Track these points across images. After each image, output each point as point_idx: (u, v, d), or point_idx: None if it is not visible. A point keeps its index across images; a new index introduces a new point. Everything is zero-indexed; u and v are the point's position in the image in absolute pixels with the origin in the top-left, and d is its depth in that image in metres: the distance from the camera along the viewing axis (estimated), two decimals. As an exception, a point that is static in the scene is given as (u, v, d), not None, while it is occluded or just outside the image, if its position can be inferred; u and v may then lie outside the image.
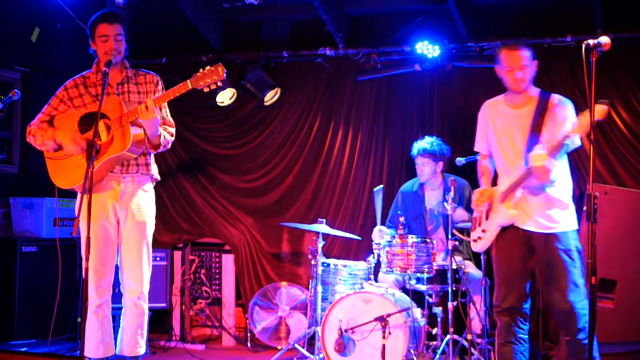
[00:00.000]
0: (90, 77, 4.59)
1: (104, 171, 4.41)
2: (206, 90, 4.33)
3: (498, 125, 4.62)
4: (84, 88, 4.56)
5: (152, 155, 4.65)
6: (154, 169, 4.67)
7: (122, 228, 4.53)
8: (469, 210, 5.98)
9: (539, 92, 4.54)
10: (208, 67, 4.29)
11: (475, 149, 4.89)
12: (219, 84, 4.32)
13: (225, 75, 4.28)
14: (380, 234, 5.73)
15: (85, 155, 4.38)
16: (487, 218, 4.61)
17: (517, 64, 4.43)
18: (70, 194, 4.68)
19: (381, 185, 6.03)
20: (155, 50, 7.07)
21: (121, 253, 4.54)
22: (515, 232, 4.44)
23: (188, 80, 4.31)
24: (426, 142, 5.95)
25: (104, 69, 4.22)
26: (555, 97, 4.48)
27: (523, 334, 4.50)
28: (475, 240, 4.71)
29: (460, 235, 5.39)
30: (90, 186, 3.81)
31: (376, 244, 5.58)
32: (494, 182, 4.74)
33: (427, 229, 5.99)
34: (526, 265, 4.45)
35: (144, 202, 4.57)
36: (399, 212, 5.75)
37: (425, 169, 5.95)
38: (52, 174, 4.55)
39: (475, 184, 6.31)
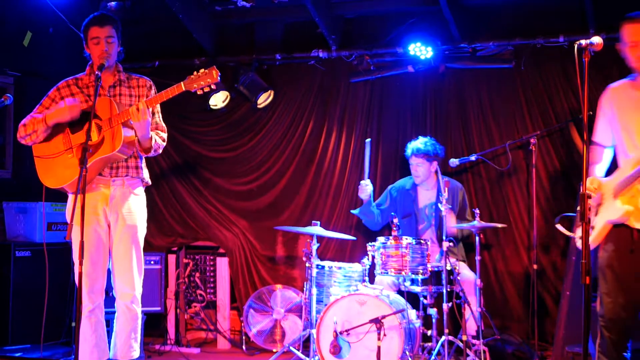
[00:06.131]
0: (83, 79, 4.58)
1: (93, 172, 4.38)
2: (199, 92, 4.32)
3: (621, 111, 4.13)
4: (76, 88, 4.54)
5: (143, 159, 4.63)
6: (145, 173, 4.65)
7: (112, 232, 4.50)
8: (462, 217, 6.00)
9: None
10: (202, 70, 4.29)
11: (596, 139, 4.37)
12: (213, 86, 4.32)
13: (219, 78, 4.29)
14: (365, 188, 5.97)
15: (69, 134, 4.40)
16: (596, 213, 4.15)
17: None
18: (63, 198, 4.66)
19: (369, 139, 6.17)
20: (147, 54, 7.07)
21: (112, 257, 4.52)
22: (628, 231, 3.99)
23: (182, 83, 4.31)
24: (420, 142, 5.97)
25: (97, 72, 4.22)
26: None
27: (628, 353, 4.04)
28: (581, 238, 4.25)
29: (565, 231, 4.65)
30: (84, 190, 3.80)
31: (371, 245, 5.55)
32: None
33: (417, 228, 6.00)
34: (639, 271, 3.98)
35: (135, 206, 4.55)
36: (392, 213, 5.74)
37: (420, 169, 5.96)
38: (40, 173, 4.51)
39: (468, 187, 6.36)
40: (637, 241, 3.97)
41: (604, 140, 4.34)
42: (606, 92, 4.32)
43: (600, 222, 4.07)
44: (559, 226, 4.59)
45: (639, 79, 4.13)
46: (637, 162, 3.98)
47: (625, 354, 4.00)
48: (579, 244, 4.29)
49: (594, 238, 4.11)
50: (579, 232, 4.27)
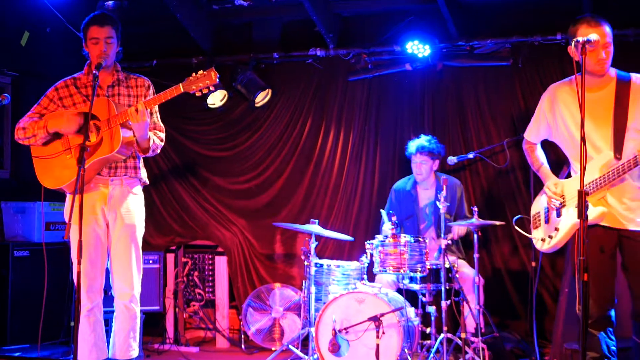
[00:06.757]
0: (81, 79, 4.58)
1: (92, 172, 4.38)
2: (198, 94, 4.32)
3: (569, 111, 4.05)
4: (74, 88, 4.54)
5: (141, 159, 4.63)
6: (143, 173, 4.65)
7: (111, 231, 4.50)
8: (461, 215, 6.00)
9: (616, 72, 4.03)
10: (201, 72, 4.28)
11: (527, 136, 4.43)
12: (211, 88, 4.32)
13: (217, 79, 4.28)
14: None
15: (74, 150, 4.38)
16: (559, 214, 4.18)
17: (601, 42, 3.83)
18: (61, 198, 4.66)
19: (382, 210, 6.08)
20: (145, 53, 7.07)
21: (111, 256, 4.52)
22: (602, 231, 3.96)
23: (180, 84, 4.30)
24: (424, 140, 5.97)
25: (94, 71, 4.21)
26: (638, 77, 3.99)
27: (615, 346, 3.97)
28: (543, 240, 4.28)
29: (523, 232, 4.68)
30: (82, 190, 3.80)
31: (369, 244, 5.55)
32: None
33: (419, 228, 6.00)
34: (615, 268, 3.99)
35: (133, 205, 4.55)
36: (390, 211, 5.75)
37: (424, 166, 5.95)
38: (39, 173, 4.52)
39: (466, 185, 6.36)
40: (614, 240, 3.98)
41: (537, 139, 4.40)
42: (549, 91, 4.25)
43: (568, 224, 4.09)
44: (517, 227, 4.64)
45: (589, 79, 3.95)
46: (605, 165, 3.97)
47: (612, 347, 3.99)
48: (537, 244, 4.36)
49: (559, 240, 4.16)
50: (535, 233, 4.37)
